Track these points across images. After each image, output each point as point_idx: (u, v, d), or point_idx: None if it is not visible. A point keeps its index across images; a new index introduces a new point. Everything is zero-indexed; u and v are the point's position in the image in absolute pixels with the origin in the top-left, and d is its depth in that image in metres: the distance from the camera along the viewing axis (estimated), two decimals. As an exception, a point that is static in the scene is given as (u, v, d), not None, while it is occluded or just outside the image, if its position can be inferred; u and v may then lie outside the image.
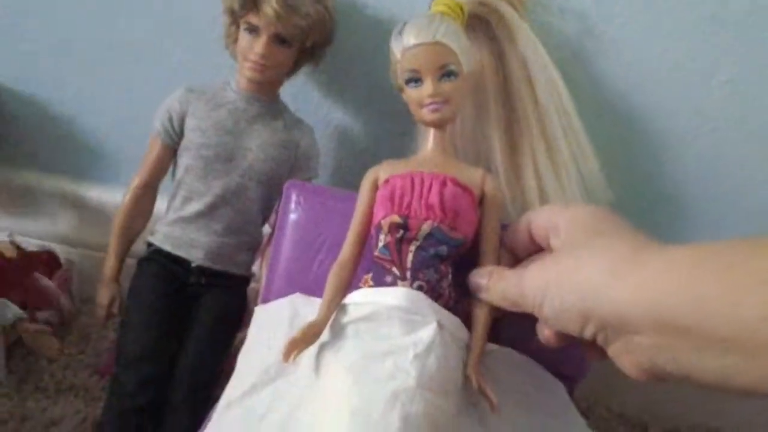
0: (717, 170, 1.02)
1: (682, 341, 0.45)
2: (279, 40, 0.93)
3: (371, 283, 0.73)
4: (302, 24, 0.91)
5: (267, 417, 0.68)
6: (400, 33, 0.78)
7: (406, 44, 0.77)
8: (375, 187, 0.79)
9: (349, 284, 0.76)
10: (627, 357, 0.52)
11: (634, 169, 1.04)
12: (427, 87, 0.76)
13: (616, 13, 0.94)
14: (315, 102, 1.12)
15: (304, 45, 0.96)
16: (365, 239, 0.78)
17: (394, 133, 1.08)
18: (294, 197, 0.90)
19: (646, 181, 1.06)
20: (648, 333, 0.48)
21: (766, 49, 0.92)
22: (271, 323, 0.81)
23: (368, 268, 0.76)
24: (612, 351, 0.54)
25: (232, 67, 1.02)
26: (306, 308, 0.80)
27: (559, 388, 0.80)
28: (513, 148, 0.94)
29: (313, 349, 0.70)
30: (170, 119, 1.00)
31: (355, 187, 0.84)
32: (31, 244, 1.26)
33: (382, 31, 1.01)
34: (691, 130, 1.00)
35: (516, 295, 0.62)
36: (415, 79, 0.77)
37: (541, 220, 0.65)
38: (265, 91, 1.00)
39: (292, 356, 0.67)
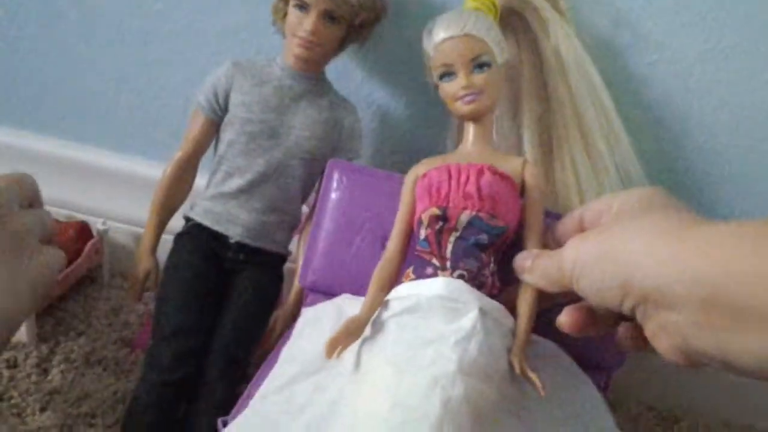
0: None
1: (725, 320, 0.44)
2: (329, 17, 0.94)
3: (412, 276, 0.75)
4: (353, 1, 0.92)
5: (307, 408, 0.70)
6: (430, 30, 0.81)
7: (436, 40, 0.79)
8: (415, 185, 0.80)
9: (394, 281, 0.77)
10: (664, 336, 0.50)
11: (672, 165, 1.06)
12: (461, 79, 0.78)
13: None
14: (358, 82, 1.13)
15: (352, 23, 0.97)
16: (409, 236, 0.80)
17: (437, 115, 1.09)
18: (336, 176, 0.91)
19: (685, 176, 1.07)
20: (689, 310, 0.47)
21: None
22: (317, 321, 0.83)
23: (411, 263, 0.77)
24: (649, 330, 0.52)
25: (274, 45, 1.04)
26: (352, 308, 0.80)
27: (588, 382, 0.80)
28: (549, 141, 0.95)
29: (356, 345, 0.71)
30: (215, 93, 1.01)
31: (397, 168, 0.85)
32: (61, 216, 1.29)
33: (429, 11, 1.01)
34: (733, 127, 1.01)
35: (555, 270, 0.61)
36: (449, 74, 0.79)
37: (596, 205, 0.65)
38: (312, 69, 1.01)
39: (336, 353, 0.69)
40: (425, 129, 1.12)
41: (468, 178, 0.74)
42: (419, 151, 1.08)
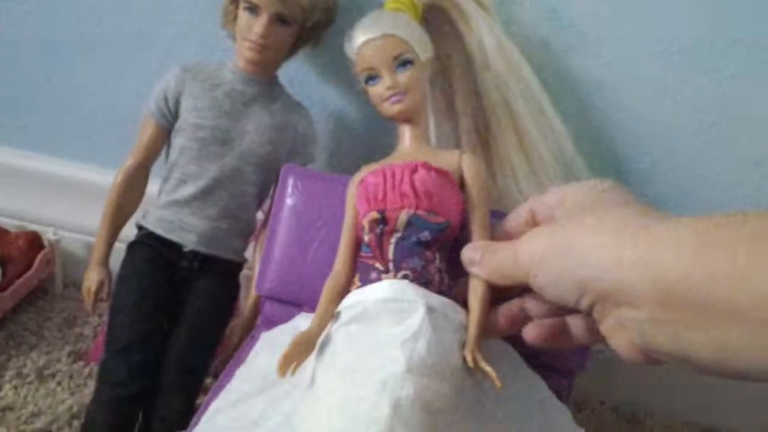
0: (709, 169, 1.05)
1: (684, 315, 0.44)
2: (280, 19, 0.93)
3: (358, 283, 0.74)
4: (304, 3, 0.92)
5: (261, 423, 0.69)
6: (350, 36, 0.81)
7: (356, 44, 0.79)
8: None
9: (345, 292, 0.76)
10: (621, 333, 0.51)
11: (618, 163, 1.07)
12: (385, 80, 0.78)
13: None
14: (312, 85, 1.12)
15: (304, 25, 0.96)
16: (357, 245, 0.79)
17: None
18: (291, 182, 0.90)
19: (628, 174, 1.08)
20: (648, 306, 0.47)
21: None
22: (274, 342, 0.82)
23: (356, 270, 0.77)
24: (606, 326, 0.52)
25: (226, 48, 1.03)
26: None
27: (539, 379, 0.79)
28: (484, 135, 0.95)
29: (310, 360, 0.70)
30: (165, 99, 1.00)
31: (352, 172, 0.85)
32: (12, 226, 1.26)
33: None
34: (692, 125, 1.02)
35: (509, 264, 0.61)
36: (373, 76, 0.79)
37: (546, 198, 0.64)
38: (264, 73, 1.00)
39: (290, 370, 0.67)
40: (380, 132, 1.11)
41: (402, 177, 0.74)
42: (375, 154, 1.07)
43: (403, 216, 0.72)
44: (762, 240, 0.42)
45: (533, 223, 0.66)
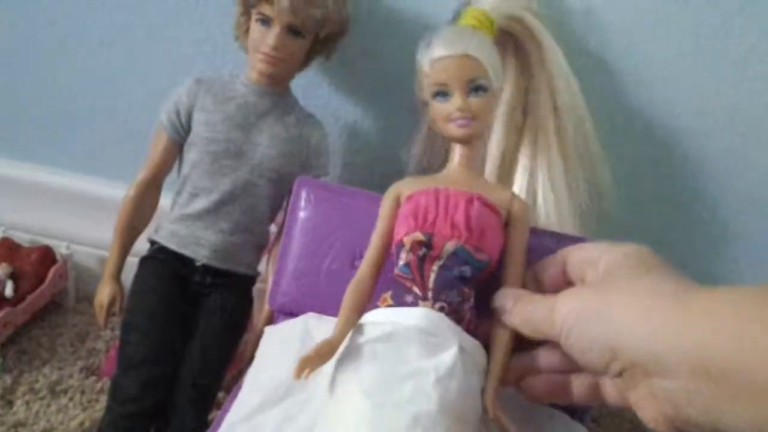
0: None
1: (718, 387, 0.44)
2: (292, 31, 0.93)
3: (390, 302, 0.72)
4: (317, 15, 0.91)
5: None
6: (428, 44, 0.77)
7: (434, 56, 0.76)
8: (397, 204, 0.78)
9: (368, 302, 0.75)
10: (652, 402, 0.51)
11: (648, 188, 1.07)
12: (456, 101, 0.75)
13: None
14: (325, 97, 1.12)
15: (317, 37, 0.96)
16: (385, 256, 0.77)
17: (406, 129, 1.08)
18: (304, 194, 0.90)
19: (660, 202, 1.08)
20: (682, 376, 0.47)
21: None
22: (281, 342, 0.81)
23: (388, 286, 0.75)
24: (635, 395, 0.53)
25: (238, 60, 1.02)
26: (318, 327, 0.79)
27: (562, 417, 0.78)
28: (530, 165, 0.94)
29: (326, 370, 0.68)
30: (177, 112, 1.00)
31: (366, 185, 0.84)
32: (25, 240, 1.26)
33: (395, 24, 1.02)
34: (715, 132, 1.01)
35: (542, 319, 0.61)
36: (443, 93, 0.76)
37: (580, 254, 0.65)
38: (277, 85, 0.99)
39: (304, 374, 0.66)
40: (394, 144, 1.10)
41: (457, 206, 0.72)
42: (389, 166, 1.07)
43: (450, 246, 0.70)
44: None
45: (564, 276, 0.66)
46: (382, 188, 0.85)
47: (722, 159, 1.03)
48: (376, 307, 0.73)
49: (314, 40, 0.97)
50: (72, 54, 1.19)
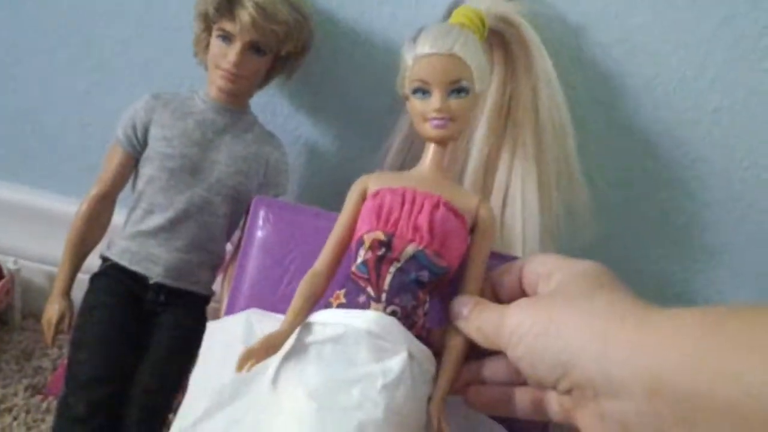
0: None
1: (672, 410, 0.44)
2: (254, 48, 0.92)
3: (343, 300, 0.71)
4: (279, 32, 0.91)
5: None
6: (414, 39, 0.75)
7: (419, 52, 0.74)
8: (362, 198, 0.76)
9: (320, 297, 0.73)
10: (600, 424, 0.50)
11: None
12: (435, 101, 0.73)
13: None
14: (285, 115, 1.12)
15: (278, 54, 0.96)
16: (344, 251, 0.76)
17: (365, 149, 1.09)
18: (262, 214, 0.89)
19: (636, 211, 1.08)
20: (635, 398, 0.46)
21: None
22: (225, 340, 0.79)
23: (342, 283, 0.74)
24: (582, 415, 0.52)
25: (196, 77, 1.02)
26: (263, 324, 0.77)
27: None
28: (504, 170, 0.94)
29: (271, 370, 0.68)
30: (134, 127, 0.98)
31: (325, 204, 0.83)
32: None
33: (358, 44, 1.02)
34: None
35: (493, 328, 0.61)
36: (423, 90, 0.74)
37: (535, 265, 0.64)
38: (236, 102, 0.99)
39: (246, 367, 0.64)
40: (354, 163, 1.11)
41: (422, 208, 0.71)
42: (348, 186, 1.07)
43: (410, 249, 0.69)
44: (756, 329, 0.42)
45: (519, 286, 0.66)
46: (341, 208, 0.85)
47: (710, 179, 1.04)
48: (328, 303, 0.72)
49: (275, 58, 0.97)
50: (24, 67, 1.18)
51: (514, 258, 0.75)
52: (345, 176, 1.09)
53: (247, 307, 0.86)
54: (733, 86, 0.96)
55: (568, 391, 0.53)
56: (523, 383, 0.63)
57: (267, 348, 0.66)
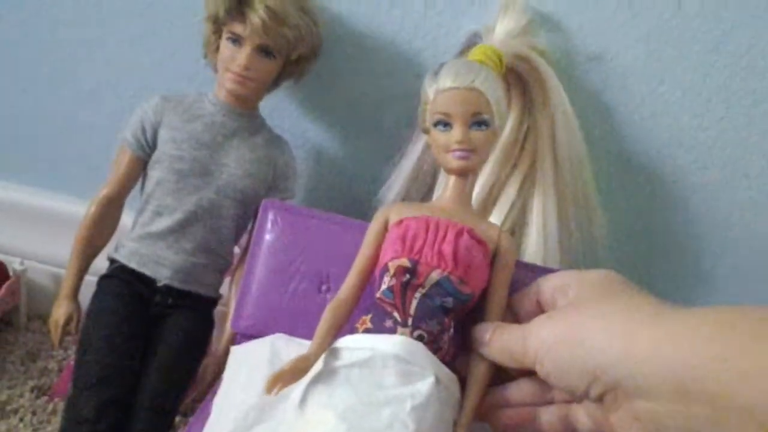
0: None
1: (702, 409, 0.44)
2: (264, 51, 0.93)
3: (369, 325, 0.71)
4: (289, 35, 0.91)
5: None
6: (436, 74, 0.76)
7: (441, 86, 0.75)
8: (384, 228, 0.77)
9: (345, 323, 0.74)
10: (635, 426, 0.50)
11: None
12: (456, 133, 0.74)
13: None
14: (293, 118, 1.12)
15: (288, 58, 0.96)
16: (367, 280, 0.76)
17: (373, 154, 1.09)
18: (271, 217, 0.89)
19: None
20: (665, 398, 0.46)
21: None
22: (249, 364, 0.80)
23: (367, 309, 0.74)
24: (617, 418, 0.52)
25: (204, 80, 1.02)
26: (287, 349, 0.78)
27: None
28: (522, 205, 0.95)
29: (297, 392, 0.68)
30: (143, 129, 0.99)
31: (333, 207, 0.84)
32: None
33: (366, 49, 1.02)
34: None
35: (517, 347, 0.61)
36: (444, 123, 0.75)
37: (550, 282, 0.65)
38: (245, 105, 0.99)
39: (275, 390, 0.65)
40: (361, 167, 1.11)
41: (445, 236, 0.71)
42: (355, 189, 1.07)
43: (435, 275, 0.69)
44: None
45: (537, 306, 0.67)
46: (349, 212, 0.85)
47: (722, 208, 1.04)
48: (354, 329, 0.72)
49: (285, 62, 0.97)
50: (32, 68, 1.18)
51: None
52: (352, 179, 1.11)
53: (255, 309, 0.87)
54: (739, 95, 0.96)
55: (601, 398, 0.53)
56: (549, 402, 0.64)
57: (295, 372, 0.66)
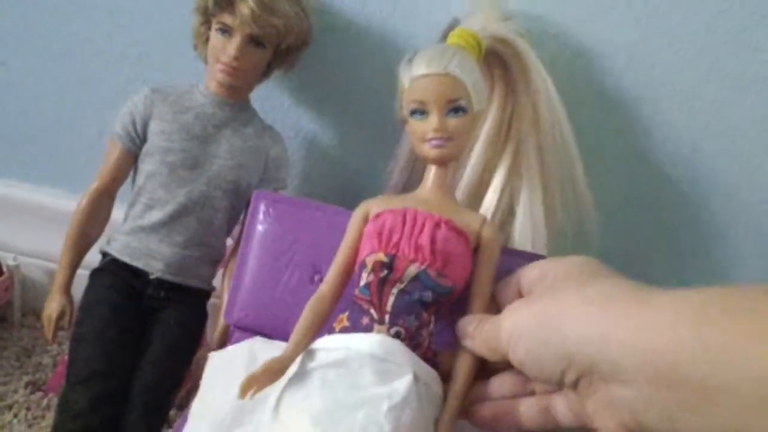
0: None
1: (679, 394, 0.43)
2: (253, 41, 0.93)
3: (346, 323, 0.70)
4: (279, 25, 0.91)
5: None
6: (410, 61, 0.75)
7: (414, 73, 0.74)
8: (364, 222, 0.76)
9: (325, 322, 0.73)
10: (610, 412, 0.50)
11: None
12: (432, 121, 0.73)
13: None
14: (285, 108, 1.12)
15: (278, 47, 0.96)
16: (349, 276, 0.75)
17: (366, 143, 1.09)
18: (262, 208, 0.89)
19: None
20: (641, 383, 0.46)
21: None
22: (227, 369, 0.79)
23: (345, 307, 0.73)
24: (592, 404, 0.52)
25: (194, 71, 1.02)
26: (266, 352, 0.75)
27: None
28: (509, 186, 0.94)
29: (272, 398, 0.67)
30: (133, 122, 0.99)
31: (325, 198, 0.83)
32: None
33: (357, 37, 1.02)
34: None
35: (492, 337, 0.60)
36: (421, 111, 0.74)
37: (531, 272, 0.64)
38: (236, 96, 0.99)
39: (249, 394, 0.64)
40: (354, 157, 1.11)
41: (423, 228, 0.70)
42: (347, 180, 1.07)
43: (413, 269, 0.68)
44: (763, 317, 0.41)
45: (519, 295, 0.66)
46: (341, 202, 0.84)
47: (715, 185, 1.04)
48: (331, 328, 0.71)
49: (275, 52, 0.97)
50: (20, 60, 1.18)
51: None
52: (344, 170, 1.11)
53: (248, 301, 0.87)
54: (731, 77, 0.96)
55: (575, 384, 0.52)
56: (529, 394, 0.63)
57: (270, 374, 0.66)
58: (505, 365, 0.62)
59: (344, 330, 0.70)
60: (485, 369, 0.67)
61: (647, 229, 1.08)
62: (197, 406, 0.78)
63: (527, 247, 0.92)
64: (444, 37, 0.86)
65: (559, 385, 0.55)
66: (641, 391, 0.46)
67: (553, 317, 0.53)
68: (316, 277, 0.82)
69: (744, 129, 0.98)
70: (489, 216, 0.92)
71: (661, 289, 0.49)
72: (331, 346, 0.68)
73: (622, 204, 1.06)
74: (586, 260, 0.60)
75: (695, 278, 1.10)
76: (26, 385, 1.12)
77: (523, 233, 0.92)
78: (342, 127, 1.12)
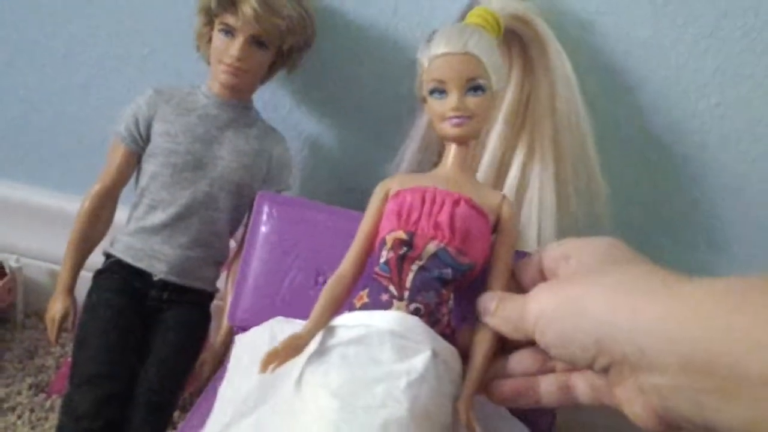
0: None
1: (707, 382, 0.43)
2: (256, 42, 0.93)
3: (366, 299, 0.71)
4: (281, 25, 0.91)
5: None
6: (429, 41, 0.75)
7: (434, 52, 0.74)
8: (385, 200, 0.76)
9: (345, 300, 0.73)
10: (640, 399, 0.49)
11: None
12: (452, 100, 0.73)
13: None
14: (287, 110, 1.12)
15: (281, 48, 0.96)
16: (368, 254, 0.76)
17: (369, 143, 1.09)
18: (266, 209, 0.89)
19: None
20: (672, 371, 0.45)
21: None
22: (250, 350, 0.80)
23: (366, 284, 0.73)
24: (622, 391, 0.52)
25: (197, 72, 1.02)
26: (284, 331, 0.76)
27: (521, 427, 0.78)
28: (523, 167, 0.94)
29: (295, 371, 0.68)
30: (136, 123, 0.98)
31: (328, 199, 0.83)
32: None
33: (360, 37, 1.02)
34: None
35: (517, 317, 0.60)
36: (440, 90, 0.74)
37: (553, 251, 0.64)
38: (239, 97, 0.99)
39: (270, 368, 0.64)
40: (357, 157, 1.11)
41: (442, 206, 0.71)
42: (351, 180, 1.07)
43: (432, 246, 0.69)
44: None
45: (540, 274, 0.66)
46: (344, 203, 0.84)
47: (724, 169, 1.03)
48: (352, 305, 0.72)
49: (278, 52, 0.97)
50: (29, 63, 1.18)
51: (526, 254, 0.75)
52: (347, 170, 1.10)
53: (252, 302, 0.87)
54: (735, 79, 0.96)
55: (605, 370, 0.52)
56: (549, 371, 0.63)
57: (290, 349, 0.66)
58: (524, 343, 0.63)
59: (364, 306, 0.70)
60: (503, 346, 0.67)
61: (659, 212, 1.08)
62: (225, 388, 0.78)
63: (534, 230, 0.92)
64: (463, 16, 0.86)
65: (587, 369, 0.55)
66: (671, 379, 0.45)
67: (584, 303, 0.53)
68: (320, 278, 0.83)
69: (754, 111, 0.98)
70: (512, 196, 0.92)
71: (686, 276, 0.49)
72: (351, 323, 0.69)
73: (633, 187, 1.06)
74: (611, 242, 0.60)
75: (713, 266, 1.10)
76: (29, 387, 1.12)
77: (532, 214, 0.93)
78: (345, 127, 1.11)
